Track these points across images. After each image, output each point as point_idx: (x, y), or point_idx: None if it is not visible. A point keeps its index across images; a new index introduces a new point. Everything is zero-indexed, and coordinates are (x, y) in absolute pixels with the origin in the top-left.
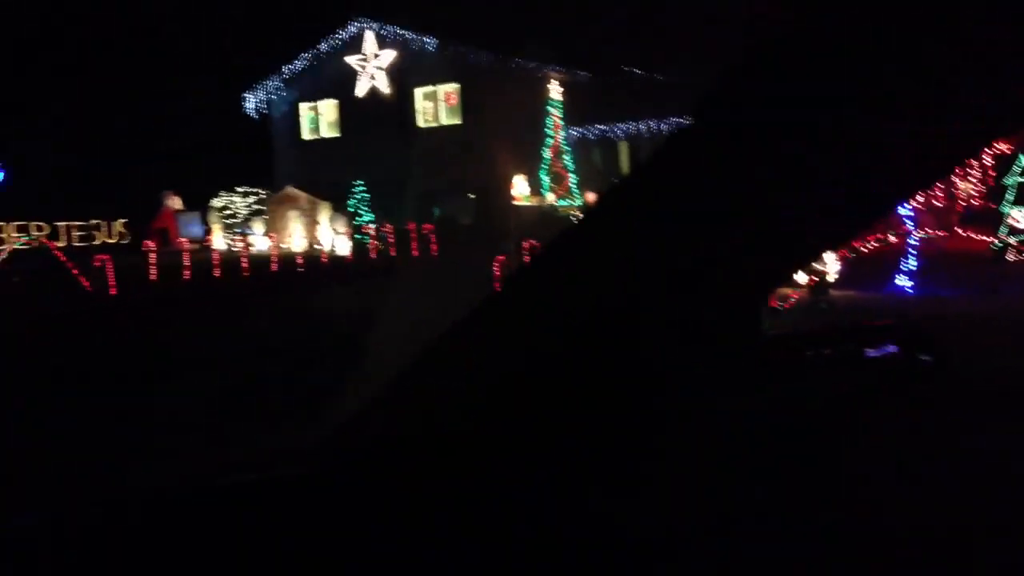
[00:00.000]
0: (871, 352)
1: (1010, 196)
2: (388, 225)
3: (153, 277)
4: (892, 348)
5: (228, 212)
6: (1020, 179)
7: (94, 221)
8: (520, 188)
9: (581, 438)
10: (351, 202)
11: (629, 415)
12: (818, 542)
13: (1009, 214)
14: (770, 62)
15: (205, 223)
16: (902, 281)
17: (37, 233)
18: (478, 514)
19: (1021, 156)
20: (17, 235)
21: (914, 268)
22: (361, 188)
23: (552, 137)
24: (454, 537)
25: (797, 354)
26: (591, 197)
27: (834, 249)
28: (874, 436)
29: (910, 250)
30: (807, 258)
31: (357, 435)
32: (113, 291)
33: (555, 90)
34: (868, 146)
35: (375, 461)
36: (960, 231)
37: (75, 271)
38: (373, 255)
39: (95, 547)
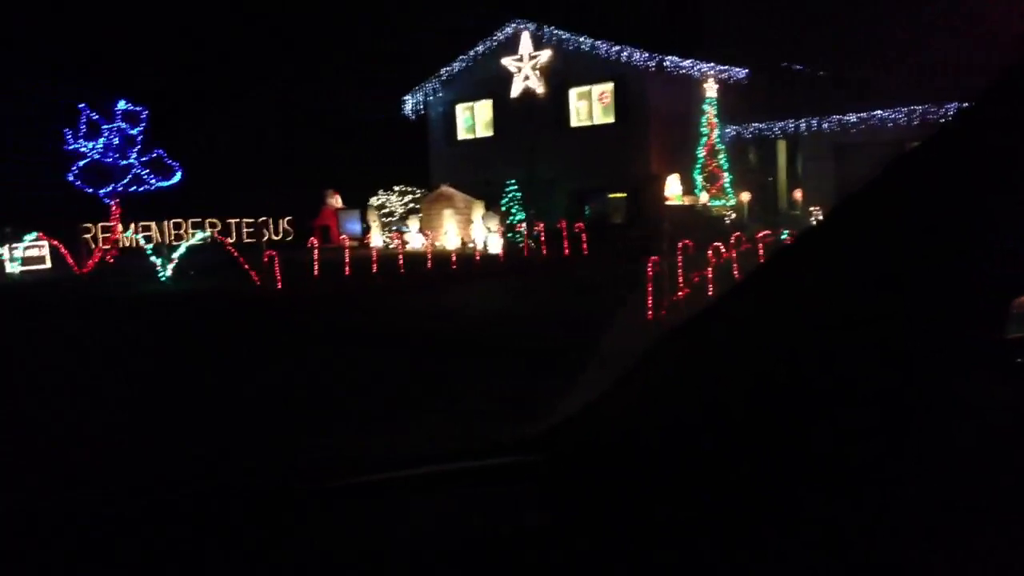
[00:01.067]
0: None
1: None
2: (540, 224)
3: (316, 273)
4: None
5: (386, 210)
6: None
7: (262, 219)
8: (673, 188)
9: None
10: (504, 201)
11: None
12: None
13: None
14: None
15: (364, 221)
16: None
17: (211, 230)
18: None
19: None
20: (193, 231)
21: None
22: (513, 187)
23: (707, 136)
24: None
25: None
26: (745, 197)
27: None
28: None
29: None
30: None
31: (567, 435)
32: (279, 285)
33: (711, 88)
34: None
35: (582, 463)
36: None
37: (246, 266)
38: (525, 254)
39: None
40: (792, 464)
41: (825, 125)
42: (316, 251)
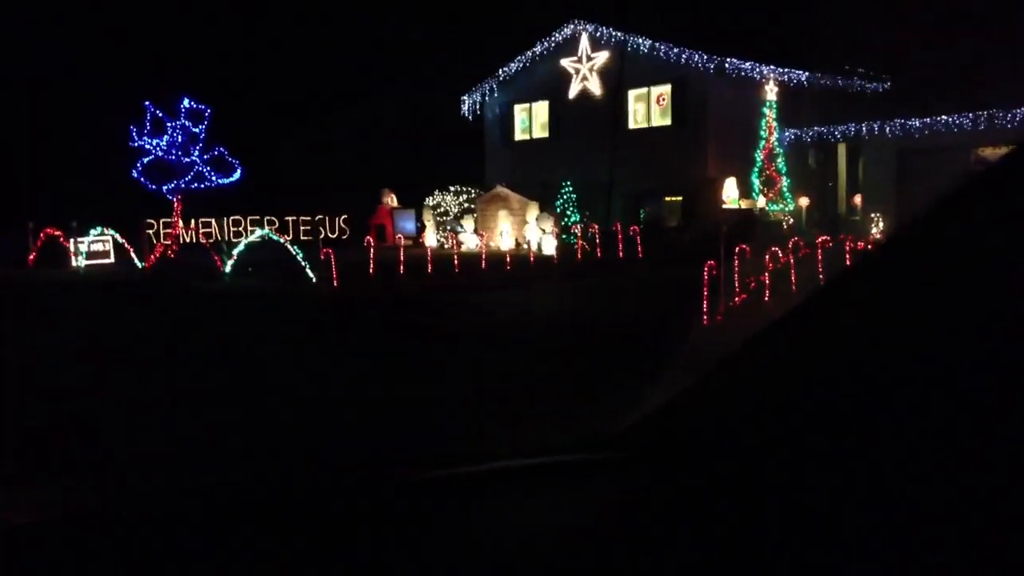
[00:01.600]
0: None
1: None
2: (594, 225)
3: (372, 271)
4: None
5: (441, 210)
6: None
7: (319, 216)
8: (730, 191)
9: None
10: (559, 202)
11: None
12: None
13: None
14: None
15: (419, 220)
16: None
17: (270, 228)
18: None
19: None
20: (252, 228)
21: None
22: (569, 188)
23: (765, 139)
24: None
25: None
26: (804, 202)
27: None
28: None
29: None
30: None
31: (656, 429)
32: (336, 283)
33: (771, 90)
34: None
35: (674, 457)
36: None
37: (303, 263)
38: (579, 256)
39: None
40: (890, 473)
41: (887, 129)
42: (372, 250)
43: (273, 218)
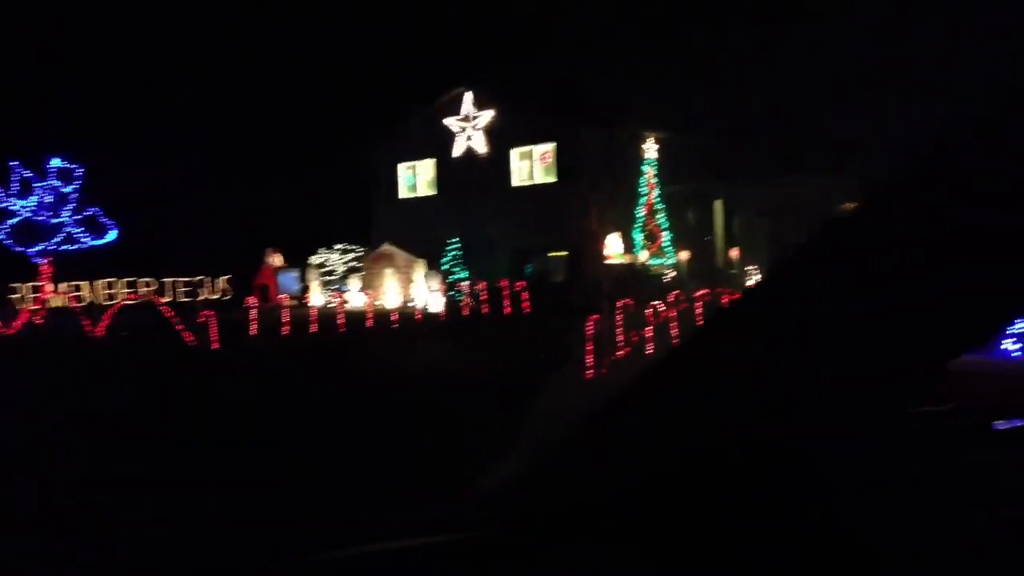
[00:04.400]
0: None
1: None
2: (482, 282)
3: (253, 332)
4: None
5: (326, 269)
6: None
7: (199, 277)
8: (613, 246)
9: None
10: (445, 259)
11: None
12: None
13: None
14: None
15: (304, 280)
16: (1007, 345)
17: (146, 289)
18: None
19: None
20: (127, 291)
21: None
22: (455, 246)
23: (646, 195)
24: None
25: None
26: (684, 255)
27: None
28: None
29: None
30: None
31: (508, 503)
32: (215, 345)
33: (650, 148)
34: None
35: (532, 530)
36: None
37: (179, 327)
38: (466, 312)
39: None
40: (760, 519)
41: (760, 186)
42: (255, 310)
43: (150, 279)
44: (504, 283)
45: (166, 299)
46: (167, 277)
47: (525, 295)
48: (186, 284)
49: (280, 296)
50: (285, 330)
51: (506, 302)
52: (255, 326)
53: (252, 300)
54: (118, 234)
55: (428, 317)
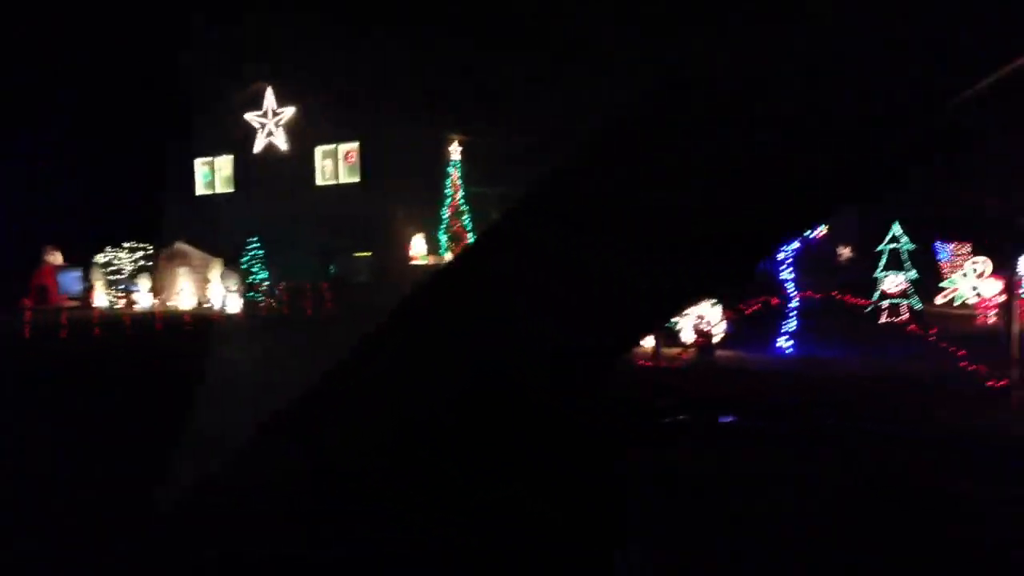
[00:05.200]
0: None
1: (882, 262)
2: (283, 283)
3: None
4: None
5: (112, 268)
6: (891, 246)
7: None
8: (418, 247)
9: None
10: (245, 259)
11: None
12: None
13: (882, 280)
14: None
15: (87, 280)
16: (783, 343)
17: None
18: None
19: (893, 226)
20: None
21: (794, 330)
22: (255, 245)
23: (451, 196)
24: None
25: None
26: None
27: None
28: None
29: (790, 313)
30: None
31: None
32: None
33: (455, 149)
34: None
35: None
36: (837, 295)
37: None
38: (264, 313)
39: None
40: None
41: None
42: (28, 313)
43: None
44: (307, 284)
45: None
46: None
47: (328, 295)
48: None
49: (60, 297)
50: (63, 333)
51: (307, 303)
52: (28, 329)
53: (27, 302)
54: None
55: (224, 318)
